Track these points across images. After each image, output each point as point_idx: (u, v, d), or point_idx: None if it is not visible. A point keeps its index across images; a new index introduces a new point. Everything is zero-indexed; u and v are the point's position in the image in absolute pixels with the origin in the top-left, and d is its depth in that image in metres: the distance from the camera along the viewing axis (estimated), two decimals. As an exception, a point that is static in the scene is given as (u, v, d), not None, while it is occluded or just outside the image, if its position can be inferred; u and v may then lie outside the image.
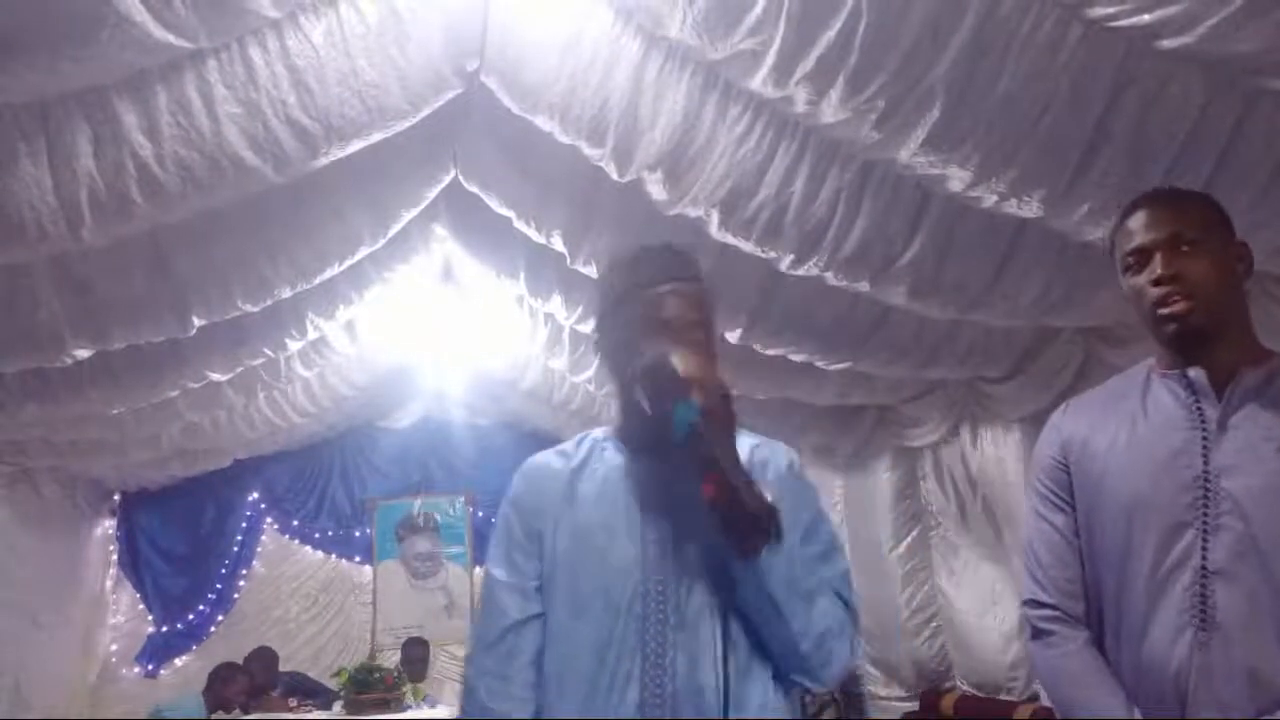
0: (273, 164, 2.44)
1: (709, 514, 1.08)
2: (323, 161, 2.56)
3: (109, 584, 5.68)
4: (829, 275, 2.67)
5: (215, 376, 3.77)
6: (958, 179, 2.13)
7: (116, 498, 5.76)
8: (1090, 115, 1.91)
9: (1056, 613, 1.36)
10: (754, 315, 3.12)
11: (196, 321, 3.06)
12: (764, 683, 1.17)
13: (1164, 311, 1.28)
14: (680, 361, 1.09)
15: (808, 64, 1.95)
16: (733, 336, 3.22)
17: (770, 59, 1.98)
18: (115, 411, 3.79)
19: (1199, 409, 1.29)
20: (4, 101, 2.06)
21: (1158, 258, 1.29)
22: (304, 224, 3.02)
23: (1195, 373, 1.31)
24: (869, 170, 2.40)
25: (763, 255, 2.65)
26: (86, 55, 1.93)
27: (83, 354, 3.01)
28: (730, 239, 2.63)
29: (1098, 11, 1.75)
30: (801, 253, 2.58)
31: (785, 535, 1.08)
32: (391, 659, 5.42)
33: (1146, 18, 1.69)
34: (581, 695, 1.14)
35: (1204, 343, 1.30)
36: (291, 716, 4.78)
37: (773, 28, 1.93)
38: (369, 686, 4.70)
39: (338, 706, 4.86)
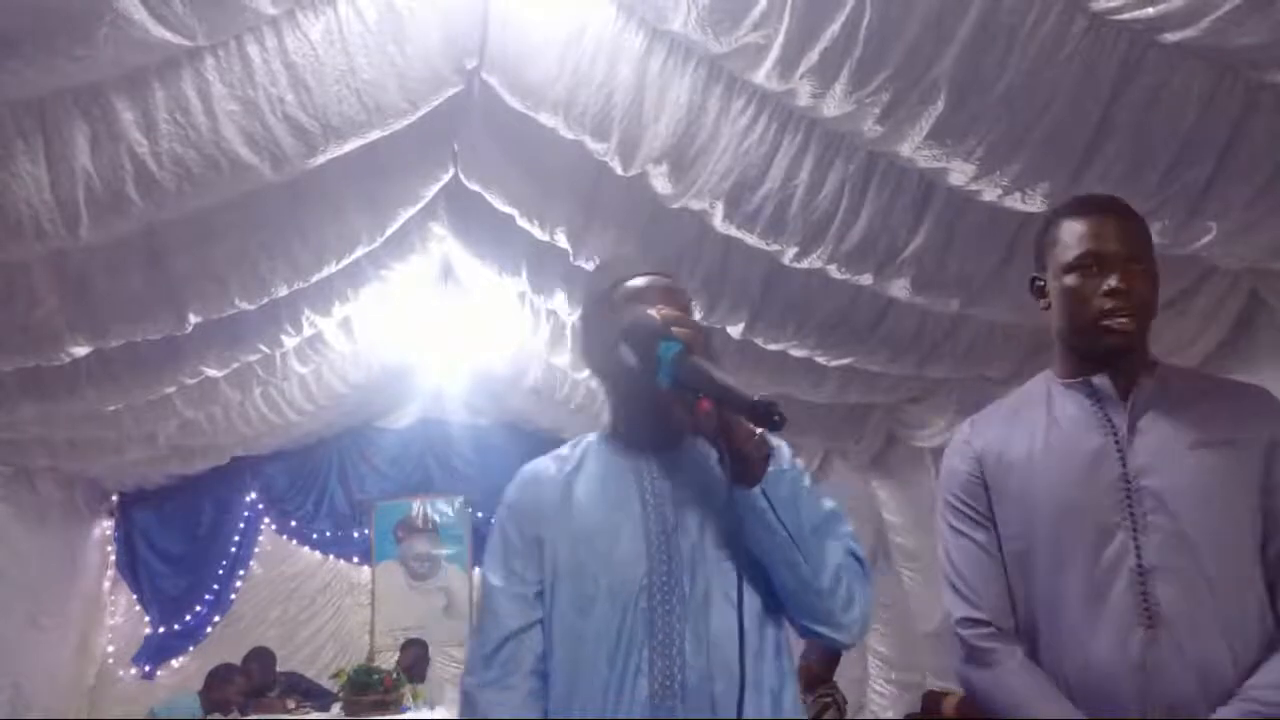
0: (270, 162, 2.43)
1: (709, 442, 1.11)
2: (320, 160, 2.55)
3: (107, 585, 5.66)
4: (832, 268, 2.67)
5: (211, 372, 3.77)
6: (961, 172, 2.13)
7: (114, 498, 5.74)
8: (1093, 109, 1.91)
9: (992, 629, 1.34)
10: (756, 310, 3.13)
11: (193, 319, 3.05)
12: (778, 664, 1.18)
13: (1110, 324, 1.29)
14: (656, 311, 1.15)
15: (812, 57, 1.95)
16: (735, 331, 3.22)
17: (775, 52, 1.98)
18: (112, 409, 3.78)
19: (1105, 415, 1.32)
20: (1, 99, 2.05)
21: (1117, 270, 1.29)
22: (301, 222, 3.01)
23: (1100, 380, 1.33)
24: (873, 163, 2.40)
25: (767, 248, 2.65)
26: (84, 52, 1.92)
27: (80, 351, 3.01)
28: (734, 232, 2.63)
29: (1101, 5, 1.75)
30: (806, 245, 2.58)
31: (786, 470, 1.13)
32: (390, 660, 5.41)
33: (1150, 11, 1.69)
34: (592, 694, 1.14)
35: (1122, 356, 1.33)
36: (290, 717, 4.77)
37: (777, 21, 1.93)
38: (368, 687, 4.68)
39: (336, 707, 4.85)
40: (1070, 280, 1.32)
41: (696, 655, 1.13)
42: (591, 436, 1.32)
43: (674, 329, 1.10)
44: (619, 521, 1.20)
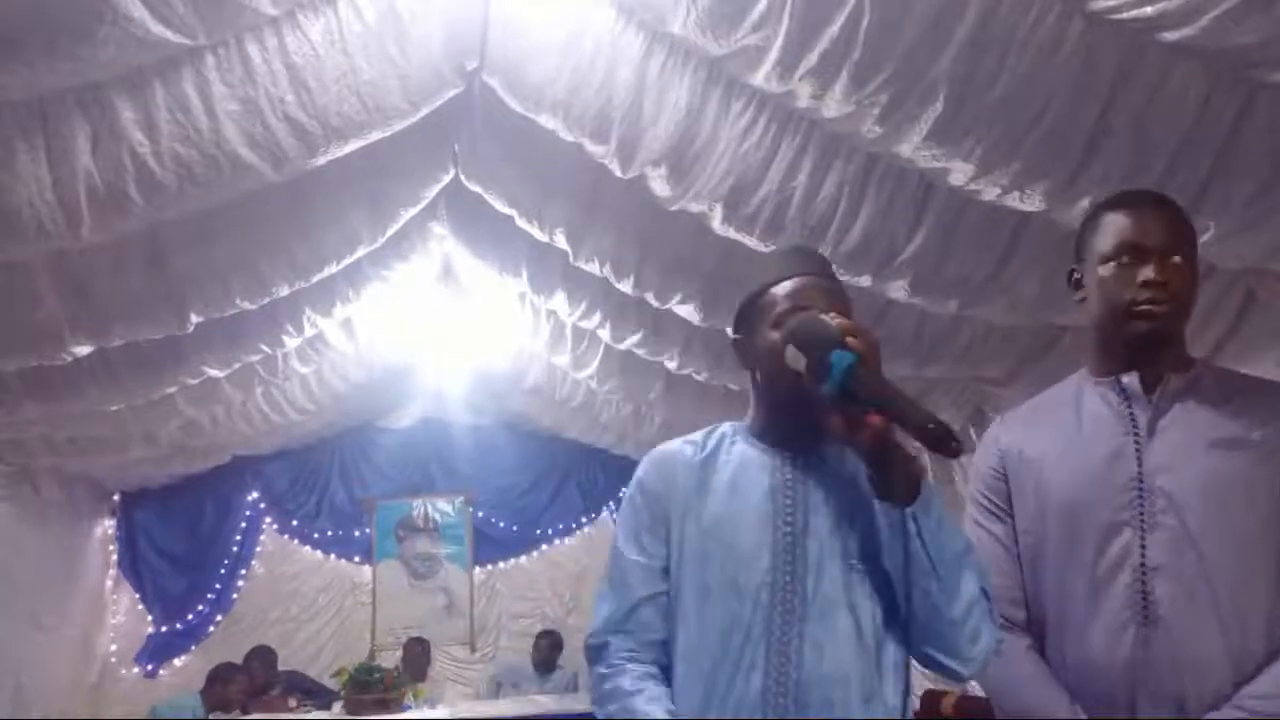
0: (271, 162, 2.44)
1: (858, 454, 1.09)
2: (321, 160, 2.55)
3: (109, 584, 5.67)
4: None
5: (212, 372, 3.77)
6: (960, 172, 2.13)
7: (116, 498, 5.74)
8: (1092, 108, 1.91)
9: (999, 619, 1.38)
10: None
11: (194, 319, 3.06)
12: (897, 681, 1.17)
13: (1142, 309, 1.29)
14: (831, 316, 1.12)
15: (811, 59, 1.95)
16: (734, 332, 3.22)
17: (774, 54, 1.98)
18: (114, 408, 3.78)
19: (1130, 414, 1.32)
20: (2, 99, 2.05)
21: (1153, 261, 1.29)
22: (302, 223, 3.02)
23: (1129, 379, 1.34)
24: (872, 164, 2.40)
25: (766, 251, 2.65)
26: (84, 52, 1.92)
27: (82, 351, 3.01)
28: (733, 234, 2.63)
29: (1099, 4, 1.75)
30: (804, 247, 2.58)
31: (936, 496, 1.10)
32: (391, 659, 5.42)
33: (1148, 10, 1.69)
34: (705, 681, 1.15)
35: (1154, 350, 1.32)
36: (291, 716, 4.77)
37: (776, 23, 1.93)
38: (369, 686, 4.69)
39: (337, 706, 4.86)
40: (1106, 270, 1.33)
41: (813, 658, 1.12)
42: (725, 426, 1.32)
43: (849, 340, 1.08)
44: (747, 515, 1.20)
